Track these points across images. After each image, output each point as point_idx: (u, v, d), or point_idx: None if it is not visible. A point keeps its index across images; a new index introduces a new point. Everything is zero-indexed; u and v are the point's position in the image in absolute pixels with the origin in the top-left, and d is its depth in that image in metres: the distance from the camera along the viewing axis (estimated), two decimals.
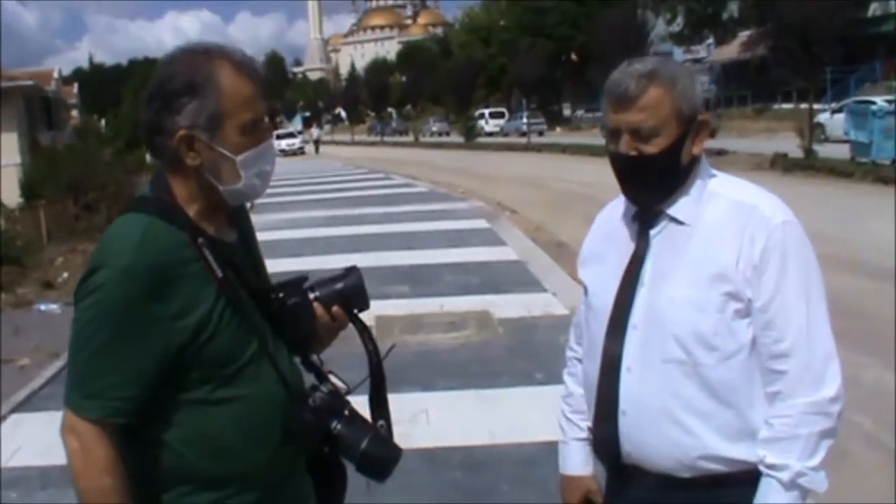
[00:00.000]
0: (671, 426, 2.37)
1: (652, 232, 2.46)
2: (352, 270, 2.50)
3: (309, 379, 2.48)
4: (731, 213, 2.37)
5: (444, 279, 12.81)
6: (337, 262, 13.63)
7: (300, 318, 2.40)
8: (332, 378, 2.47)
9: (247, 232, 2.52)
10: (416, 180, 32.76)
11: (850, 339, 7.89)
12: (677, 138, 2.35)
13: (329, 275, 2.50)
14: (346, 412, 2.36)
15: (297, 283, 2.44)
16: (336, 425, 2.32)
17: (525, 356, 8.78)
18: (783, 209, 2.37)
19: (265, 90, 2.37)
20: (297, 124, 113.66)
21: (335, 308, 2.44)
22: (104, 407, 2.15)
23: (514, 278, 12.71)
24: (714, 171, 2.49)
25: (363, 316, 2.53)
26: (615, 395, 2.44)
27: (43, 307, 13.00)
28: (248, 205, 2.61)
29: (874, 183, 22.49)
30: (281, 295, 2.39)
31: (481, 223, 19.04)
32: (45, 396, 8.54)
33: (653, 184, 2.41)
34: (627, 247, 2.51)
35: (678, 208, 2.42)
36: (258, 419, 2.29)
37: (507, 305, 10.91)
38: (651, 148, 2.34)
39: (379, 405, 2.47)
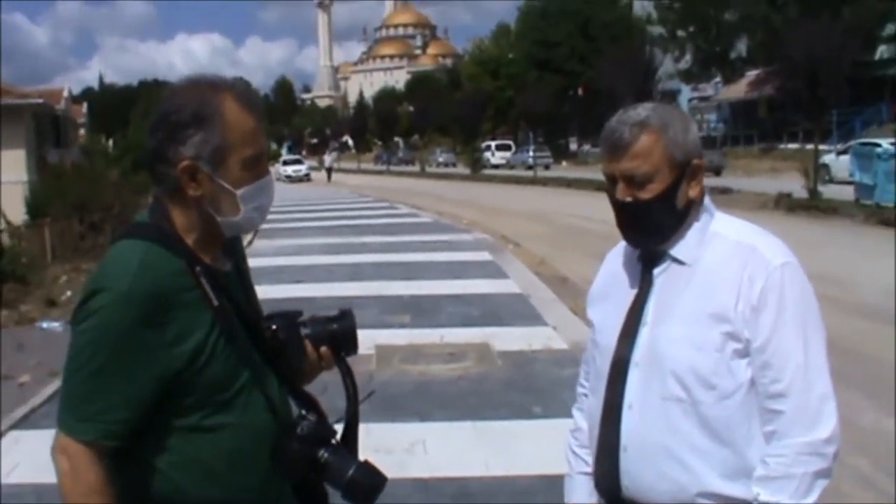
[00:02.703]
0: (670, 463, 2.40)
1: (655, 272, 2.51)
2: (346, 314, 2.53)
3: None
4: (731, 254, 2.41)
5: (446, 310, 12.83)
6: (338, 290, 13.72)
7: (290, 352, 2.44)
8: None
9: (241, 263, 2.56)
10: (420, 210, 32.82)
11: (850, 381, 7.96)
12: (671, 183, 2.41)
13: (324, 314, 2.53)
14: (333, 441, 2.39)
15: (291, 317, 2.48)
16: (323, 454, 2.34)
17: (523, 389, 8.79)
18: (783, 250, 2.42)
19: (265, 125, 2.42)
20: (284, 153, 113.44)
21: (323, 348, 2.48)
22: (97, 430, 2.17)
23: (515, 311, 12.74)
24: (716, 212, 2.54)
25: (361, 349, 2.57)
26: (616, 431, 2.48)
27: (45, 325, 13.02)
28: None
29: (877, 225, 22.50)
30: (274, 327, 2.43)
31: (485, 255, 19.07)
32: (44, 414, 8.53)
33: (650, 228, 2.46)
34: (632, 286, 2.56)
35: (680, 249, 2.47)
36: (248, 447, 2.32)
37: (508, 338, 10.92)
38: (646, 194, 2.40)
39: (349, 447, 2.47)
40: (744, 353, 2.35)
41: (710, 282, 2.40)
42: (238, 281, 2.48)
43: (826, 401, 2.34)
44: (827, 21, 32.50)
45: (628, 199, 2.42)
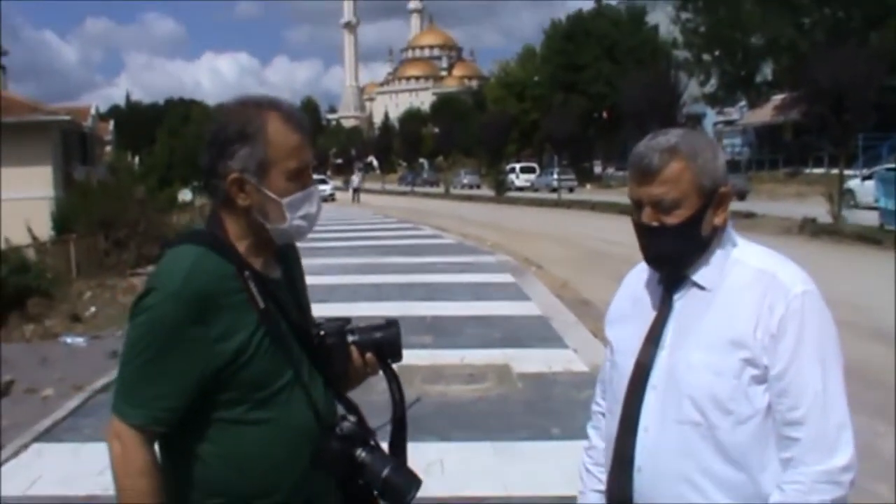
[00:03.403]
0: (684, 486, 2.41)
1: (675, 296, 2.52)
2: (392, 324, 2.67)
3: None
4: (752, 281, 2.42)
5: (467, 332, 12.85)
6: (362, 309, 13.74)
7: (334, 356, 2.57)
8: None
9: (293, 271, 2.71)
10: (444, 232, 32.87)
11: (870, 407, 7.94)
12: (698, 210, 2.42)
13: (370, 323, 2.66)
14: (372, 442, 2.51)
15: (339, 324, 2.61)
16: (361, 453, 2.45)
17: (543, 411, 8.81)
18: (803, 278, 2.42)
19: (311, 140, 2.58)
20: None
21: (369, 355, 2.61)
22: (146, 415, 2.36)
23: (536, 333, 12.75)
24: (738, 239, 2.55)
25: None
26: (631, 452, 2.49)
27: (69, 340, 13.14)
28: None
29: None
30: (322, 333, 2.57)
31: (507, 277, 19.08)
32: (67, 428, 8.66)
33: (674, 253, 2.47)
34: (652, 309, 2.57)
35: (701, 274, 2.48)
36: (287, 442, 2.45)
37: (528, 360, 10.94)
38: (672, 219, 2.42)
39: (398, 452, 2.61)
40: (761, 380, 2.36)
41: (730, 308, 2.41)
42: (288, 288, 2.62)
43: (843, 429, 2.34)
44: (853, 46, 32.50)
45: (654, 223, 2.44)
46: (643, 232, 2.48)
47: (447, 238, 30.57)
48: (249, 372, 2.40)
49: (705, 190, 2.42)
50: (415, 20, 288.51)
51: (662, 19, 78.15)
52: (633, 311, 2.65)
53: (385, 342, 2.64)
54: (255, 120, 2.44)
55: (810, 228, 27.01)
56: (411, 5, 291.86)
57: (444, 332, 12.78)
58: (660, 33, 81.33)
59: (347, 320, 2.64)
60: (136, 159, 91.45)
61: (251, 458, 2.43)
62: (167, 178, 68.80)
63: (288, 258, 2.69)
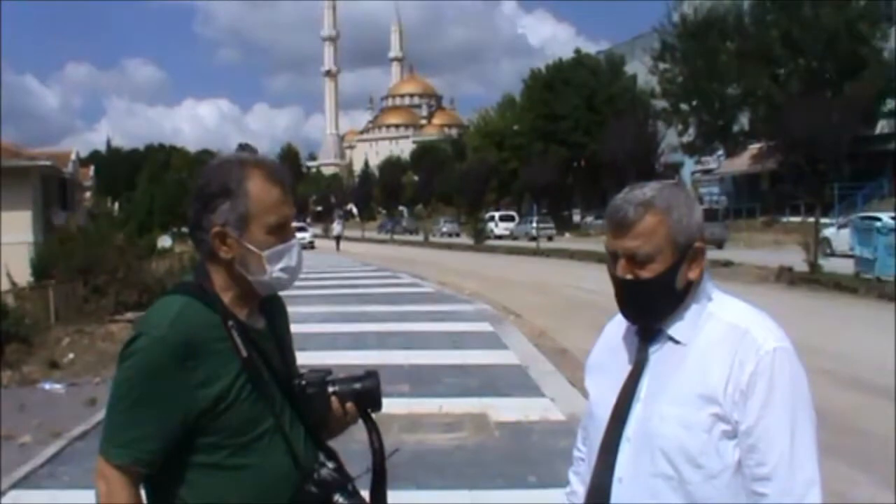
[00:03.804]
0: None
1: (651, 349, 2.54)
2: (371, 374, 2.75)
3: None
4: (725, 336, 2.44)
5: (445, 380, 12.89)
6: (340, 358, 13.76)
7: (316, 405, 2.65)
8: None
9: (278, 321, 2.79)
10: (423, 280, 32.91)
11: (846, 454, 8.04)
12: (672, 264, 2.44)
13: (351, 374, 2.75)
14: (350, 487, 2.59)
15: (321, 374, 2.70)
16: (339, 499, 2.53)
17: (520, 460, 8.85)
18: (776, 335, 2.44)
19: (293, 195, 2.69)
20: None
21: (349, 404, 2.69)
22: (130, 456, 2.44)
23: (513, 382, 12.81)
24: (715, 292, 2.57)
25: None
26: (607, 502, 2.52)
27: (48, 386, 13.11)
28: None
29: (878, 299, 22.59)
30: (304, 382, 2.66)
31: (485, 326, 19.13)
32: (45, 475, 8.65)
33: (648, 306, 2.51)
34: (629, 361, 2.58)
35: (676, 328, 2.50)
36: (266, 488, 2.52)
37: (505, 409, 10.98)
38: (646, 273, 2.45)
39: (378, 500, 2.69)
40: (732, 435, 2.39)
41: (703, 363, 2.43)
42: (272, 337, 2.71)
43: (811, 486, 2.37)
44: (828, 97, 32.99)
45: (629, 276, 2.47)
46: (618, 284, 2.51)
47: (426, 286, 30.63)
48: (230, 418, 2.47)
49: (680, 245, 2.45)
50: (395, 68, 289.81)
51: (641, 69, 78.75)
52: (610, 361, 2.68)
53: (365, 393, 2.71)
54: (237, 175, 2.55)
55: (787, 277, 27.19)
56: (392, 54, 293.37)
57: (421, 380, 12.81)
58: (638, 83, 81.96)
59: (329, 371, 2.72)
60: (116, 205, 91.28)
61: (230, 502, 2.50)
62: (147, 224, 68.71)
63: (273, 309, 2.78)
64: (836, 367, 12.25)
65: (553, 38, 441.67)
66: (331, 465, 2.60)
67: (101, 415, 10.78)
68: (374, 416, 2.76)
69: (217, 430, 2.48)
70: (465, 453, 9.18)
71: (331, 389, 2.67)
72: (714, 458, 2.38)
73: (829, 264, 28.38)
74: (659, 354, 2.53)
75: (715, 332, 2.47)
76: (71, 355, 15.94)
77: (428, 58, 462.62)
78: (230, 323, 2.53)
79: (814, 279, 26.42)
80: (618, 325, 2.73)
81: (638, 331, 2.60)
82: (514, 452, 9.18)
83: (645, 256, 2.44)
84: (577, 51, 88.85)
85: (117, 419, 2.48)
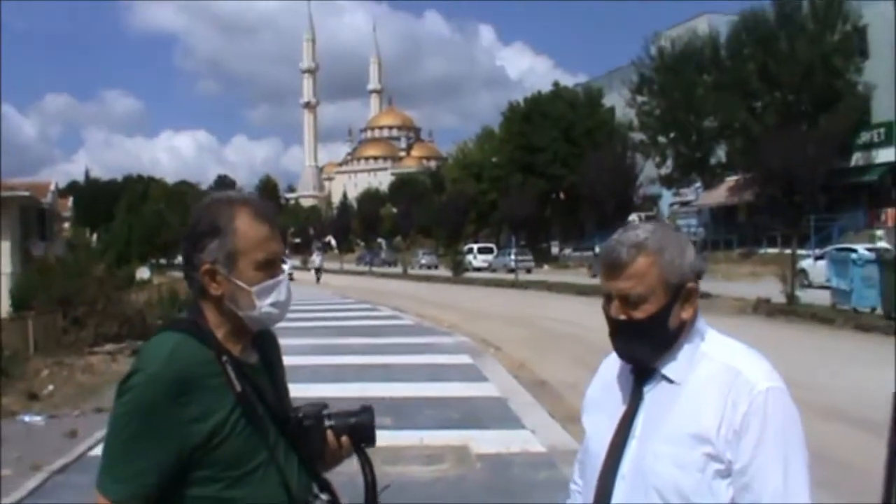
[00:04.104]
0: None
1: (645, 388, 2.58)
2: (367, 409, 2.80)
3: None
4: (718, 376, 2.47)
5: (425, 412, 12.94)
6: (321, 391, 13.73)
7: (311, 438, 2.71)
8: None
9: (270, 356, 2.85)
10: (402, 312, 32.95)
11: (826, 486, 8.07)
12: (664, 305, 2.49)
13: (346, 408, 2.80)
14: None
15: (317, 408, 2.75)
16: None
17: (501, 491, 8.93)
18: (768, 375, 2.48)
19: (281, 233, 2.78)
20: None
21: (344, 438, 2.74)
22: (127, 490, 2.49)
23: (493, 414, 12.87)
24: (708, 332, 2.63)
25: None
26: None
27: (27, 419, 13.06)
28: None
29: (854, 330, 22.80)
30: (300, 415, 2.71)
31: (465, 359, 19.19)
32: None
33: (641, 346, 2.54)
34: (624, 400, 2.63)
35: (670, 368, 2.54)
36: None
37: (486, 441, 11.04)
38: (639, 313, 2.49)
39: None
40: (725, 474, 2.42)
41: (696, 403, 2.47)
42: (265, 372, 2.76)
43: None
44: (803, 130, 33.30)
45: (622, 317, 2.52)
46: (612, 324, 2.56)
47: (405, 319, 30.68)
48: (224, 451, 2.52)
49: (672, 286, 2.50)
50: (374, 101, 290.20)
51: (618, 102, 79.16)
52: (606, 399, 2.72)
53: (360, 427, 2.76)
54: (225, 214, 2.62)
55: (765, 308, 27.38)
56: (370, 86, 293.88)
57: (402, 413, 12.83)
58: (616, 115, 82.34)
59: (325, 405, 2.77)
60: (94, 235, 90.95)
61: None
62: (125, 255, 68.50)
63: (266, 343, 2.84)
64: (814, 398, 12.33)
65: (531, 71, 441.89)
66: (324, 496, 2.67)
67: (82, 447, 10.87)
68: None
69: (212, 463, 2.53)
70: (446, 485, 9.24)
71: (326, 423, 2.73)
72: (707, 497, 2.42)
73: (806, 296, 28.60)
74: (653, 393, 2.58)
75: (708, 372, 2.51)
76: (50, 387, 15.89)
77: (407, 90, 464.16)
78: (224, 358, 2.58)
79: (791, 311, 26.64)
80: (614, 362, 2.76)
81: (633, 369, 2.64)
82: (495, 484, 9.24)
83: (637, 297, 2.48)
84: (556, 83, 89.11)
85: (114, 454, 2.53)
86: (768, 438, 2.41)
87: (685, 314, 2.54)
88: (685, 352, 2.56)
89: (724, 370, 2.49)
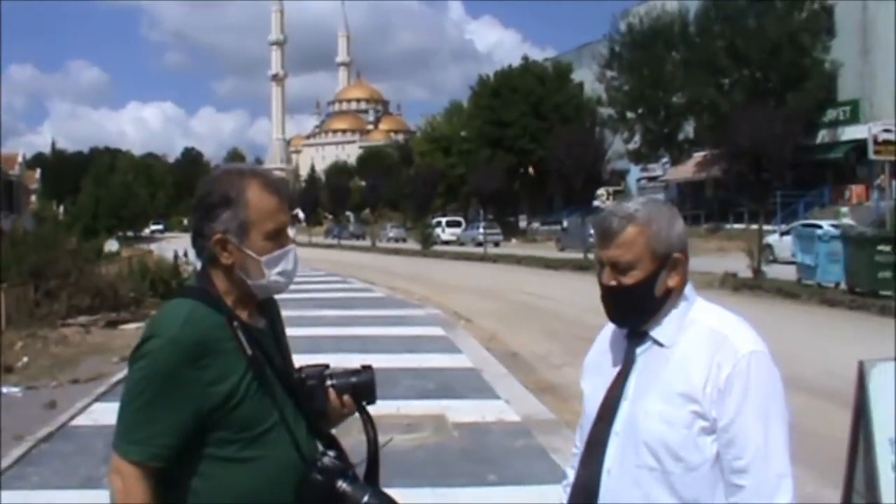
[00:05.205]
0: None
1: (638, 350, 2.77)
2: (367, 369, 3.00)
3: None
4: (705, 340, 2.67)
5: (402, 383, 13.09)
6: (298, 362, 13.92)
7: (314, 397, 2.86)
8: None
9: (275, 322, 2.99)
10: (373, 285, 33.11)
11: (793, 454, 8.33)
12: (651, 272, 2.69)
13: (347, 369, 2.97)
14: (351, 473, 2.79)
15: (319, 369, 2.92)
16: (341, 484, 2.72)
17: (478, 459, 9.12)
18: (752, 339, 2.70)
19: (289, 204, 2.92)
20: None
21: (346, 397, 2.92)
22: (145, 452, 2.60)
23: (468, 385, 13.08)
24: (697, 299, 2.82)
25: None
26: (595, 491, 2.74)
27: (5, 390, 13.10)
28: None
29: (820, 305, 23.25)
30: (304, 376, 2.87)
31: (437, 330, 19.39)
32: (12, 476, 8.72)
33: (629, 310, 2.76)
34: (617, 362, 2.83)
35: (660, 331, 2.74)
36: (273, 478, 2.71)
37: (462, 410, 11.25)
38: (628, 280, 2.69)
39: (372, 481, 2.89)
40: (710, 431, 2.61)
41: (684, 364, 2.66)
42: (271, 336, 2.90)
43: (783, 478, 2.61)
44: (771, 107, 33.54)
45: (612, 283, 2.72)
46: (604, 290, 2.77)
47: (376, 291, 30.86)
48: (239, 413, 2.66)
49: (658, 255, 2.69)
50: (342, 73, 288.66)
51: (588, 77, 79.18)
52: (603, 362, 2.91)
53: (361, 386, 2.94)
54: (238, 186, 2.72)
55: (731, 283, 27.73)
56: (339, 58, 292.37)
57: (379, 383, 12.93)
58: (585, 91, 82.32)
59: (326, 366, 2.94)
60: (61, 208, 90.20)
61: (241, 492, 2.66)
62: (92, 228, 68.04)
63: (270, 310, 2.98)
64: (780, 370, 12.60)
65: (500, 45, 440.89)
66: (332, 453, 2.80)
67: (63, 417, 10.94)
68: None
69: (228, 425, 2.66)
70: (425, 453, 9.42)
71: (329, 383, 2.89)
72: (694, 451, 2.62)
73: (771, 271, 29.01)
74: (645, 356, 2.77)
75: (697, 336, 2.71)
76: (25, 359, 15.91)
77: (375, 63, 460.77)
78: (235, 324, 2.70)
79: (757, 285, 27.04)
80: (609, 329, 2.98)
81: (627, 334, 2.84)
82: (473, 452, 9.44)
83: (626, 264, 2.69)
84: (525, 58, 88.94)
85: (132, 417, 2.63)
86: (750, 398, 2.60)
87: (671, 282, 2.74)
88: (673, 317, 2.76)
89: (712, 334, 2.70)
